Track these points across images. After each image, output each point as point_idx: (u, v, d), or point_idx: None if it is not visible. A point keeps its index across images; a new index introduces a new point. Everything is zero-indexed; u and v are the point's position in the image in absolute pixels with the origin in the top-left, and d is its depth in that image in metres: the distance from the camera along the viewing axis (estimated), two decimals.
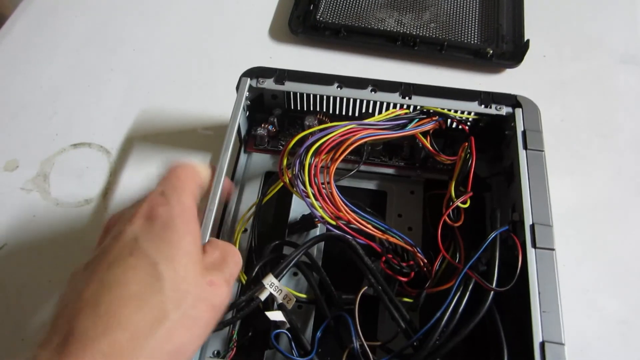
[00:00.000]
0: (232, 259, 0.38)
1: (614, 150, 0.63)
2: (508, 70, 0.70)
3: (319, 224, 0.52)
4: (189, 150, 0.61)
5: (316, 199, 0.46)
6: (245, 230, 0.53)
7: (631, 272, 0.54)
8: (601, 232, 0.57)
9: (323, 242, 0.52)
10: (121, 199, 0.58)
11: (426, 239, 0.53)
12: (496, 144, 0.54)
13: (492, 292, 0.42)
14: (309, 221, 0.52)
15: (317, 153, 0.47)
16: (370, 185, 0.57)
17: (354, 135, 0.48)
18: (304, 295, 0.48)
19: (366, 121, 0.50)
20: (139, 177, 0.59)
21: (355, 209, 0.46)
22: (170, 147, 0.61)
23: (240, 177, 0.56)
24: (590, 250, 0.55)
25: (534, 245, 0.44)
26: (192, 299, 0.32)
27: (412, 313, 0.46)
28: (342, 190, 0.47)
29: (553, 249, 0.44)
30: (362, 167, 0.56)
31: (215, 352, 0.44)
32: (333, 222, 0.46)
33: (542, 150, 0.49)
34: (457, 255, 0.47)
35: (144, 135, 0.63)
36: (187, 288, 0.32)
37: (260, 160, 0.58)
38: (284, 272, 0.46)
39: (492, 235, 0.45)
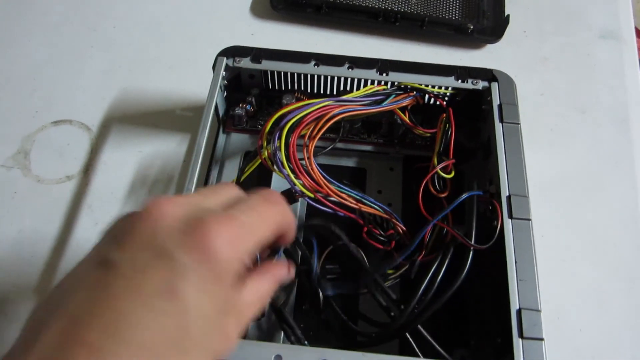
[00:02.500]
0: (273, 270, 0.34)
1: (592, 123, 0.64)
2: (489, 46, 0.70)
3: (299, 199, 0.52)
4: (168, 131, 0.60)
5: (295, 175, 0.46)
6: None
7: (607, 241, 0.55)
8: (579, 203, 0.58)
9: (304, 214, 0.52)
10: (102, 175, 0.58)
11: (407, 213, 0.53)
12: (474, 119, 0.55)
13: (471, 252, 0.43)
14: (289, 196, 0.52)
15: (294, 130, 0.47)
16: (349, 162, 0.57)
17: (330, 112, 0.48)
18: None
19: (343, 97, 0.50)
20: (119, 153, 0.59)
21: (333, 181, 0.47)
22: (150, 127, 0.61)
23: (220, 157, 0.56)
24: (568, 221, 0.56)
25: (510, 215, 0.44)
26: None
27: (392, 285, 0.46)
28: (322, 168, 0.47)
29: (529, 219, 0.44)
30: (341, 145, 0.56)
31: None
32: (312, 195, 0.46)
33: (518, 123, 0.49)
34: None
35: (124, 113, 0.62)
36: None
37: (239, 140, 0.57)
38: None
39: (465, 195, 0.46)
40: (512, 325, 0.39)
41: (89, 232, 0.54)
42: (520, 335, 0.39)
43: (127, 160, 0.59)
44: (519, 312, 0.40)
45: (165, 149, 0.59)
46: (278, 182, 0.54)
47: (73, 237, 0.54)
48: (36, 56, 0.67)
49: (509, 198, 0.45)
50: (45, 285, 0.51)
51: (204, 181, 0.53)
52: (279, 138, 0.47)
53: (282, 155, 0.47)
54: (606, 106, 0.65)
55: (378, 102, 0.51)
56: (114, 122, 0.62)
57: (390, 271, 0.47)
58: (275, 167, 0.48)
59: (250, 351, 0.38)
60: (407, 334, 0.42)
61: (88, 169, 0.58)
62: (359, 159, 0.57)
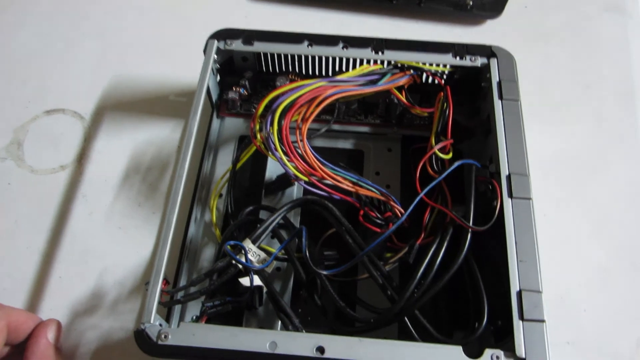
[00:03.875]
0: None
1: (596, 99, 0.62)
2: (489, 22, 0.68)
3: (295, 182, 0.51)
4: (162, 118, 0.59)
5: (288, 158, 0.45)
6: (221, 195, 0.52)
7: (611, 220, 0.54)
8: (582, 181, 0.56)
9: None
10: (96, 163, 0.57)
11: (405, 195, 0.52)
12: (473, 97, 0.53)
13: (469, 234, 0.42)
14: (285, 180, 0.51)
15: (287, 112, 0.46)
16: (346, 144, 0.56)
17: (324, 93, 0.47)
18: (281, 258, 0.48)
19: (337, 78, 0.49)
20: (112, 141, 0.59)
21: (328, 164, 0.46)
22: (143, 114, 0.60)
23: (214, 142, 0.55)
24: (571, 199, 0.55)
25: (510, 195, 0.43)
26: None
27: (392, 271, 0.45)
28: (318, 151, 0.46)
29: (530, 199, 0.43)
30: (338, 127, 0.55)
31: (194, 317, 0.44)
32: (306, 179, 0.45)
33: (518, 100, 0.48)
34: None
35: (118, 100, 0.61)
36: None
37: (234, 125, 0.56)
38: (262, 237, 0.45)
39: (458, 163, 0.45)
40: (512, 307, 0.38)
41: (84, 222, 0.53)
42: (521, 317, 0.38)
43: (120, 148, 0.58)
44: (519, 293, 0.39)
45: (159, 135, 0.58)
46: (273, 166, 0.53)
47: (68, 227, 0.53)
48: (27, 45, 0.66)
49: (508, 177, 0.44)
50: (43, 277, 0.51)
51: (198, 167, 0.52)
52: (271, 121, 0.46)
53: (275, 139, 0.46)
54: (610, 81, 0.63)
55: (373, 82, 0.50)
56: (107, 110, 0.61)
57: (388, 254, 0.46)
58: (268, 151, 0.47)
59: (245, 339, 0.38)
60: (405, 319, 0.41)
61: (82, 158, 0.58)
62: (356, 140, 0.56)
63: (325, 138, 0.55)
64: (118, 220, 0.54)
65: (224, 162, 0.54)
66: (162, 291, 0.40)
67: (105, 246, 0.52)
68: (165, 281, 0.41)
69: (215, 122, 0.56)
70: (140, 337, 0.38)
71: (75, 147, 0.58)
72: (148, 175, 0.56)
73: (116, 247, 0.52)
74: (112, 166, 0.57)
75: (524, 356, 0.37)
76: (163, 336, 0.38)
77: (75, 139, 0.59)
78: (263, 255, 0.44)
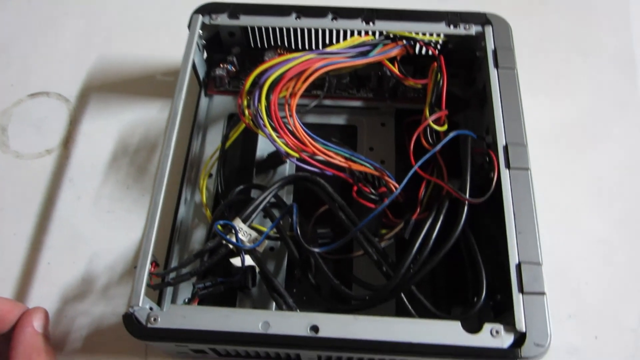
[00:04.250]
0: None
1: (595, 68, 0.60)
2: None
3: (287, 160, 0.50)
4: (149, 98, 0.58)
5: (278, 134, 0.44)
6: (211, 175, 0.51)
7: (611, 191, 0.52)
8: (581, 152, 0.55)
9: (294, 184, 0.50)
10: (82, 146, 0.55)
11: (400, 170, 0.51)
12: (468, 68, 0.52)
13: (466, 207, 0.40)
14: (276, 158, 0.50)
15: (275, 87, 0.45)
16: (339, 120, 0.54)
17: (312, 66, 0.45)
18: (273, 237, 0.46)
19: (326, 50, 0.47)
20: (99, 123, 0.57)
21: (319, 139, 0.44)
22: (130, 95, 0.58)
23: (203, 121, 0.54)
24: (570, 171, 0.53)
25: (507, 165, 0.42)
26: None
27: (387, 247, 0.44)
28: (310, 127, 0.45)
29: (528, 169, 0.42)
30: (329, 102, 0.53)
31: (186, 299, 0.43)
32: (297, 155, 0.44)
33: (514, 69, 0.46)
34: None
35: (103, 81, 0.60)
36: None
37: (222, 103, 0.55)
38: (252, 216, 0.44)
39: (453, 134, 0.44)
40: (511, 280, 0.37)
41: (71, 207, 0.52)
42: (521, 290, 0.37)
43: (107, 131, 0.56)
44: (518, 266, 0.38)
45: (146, 116, 0.57)
46: (264, 144, 0.52)
47: (56, 213, 0.52)
48: (8, 28, 0.64)
49: (505, 147, 0.42)
50: (31, 264, 0.49)
51: (187, 147, 0.51)
52: (259, 96, 0.44)
53: (264, 115, 0.44)
54: (610, 49, 0.62)
55: (364, 54, 0.48)
56: (92, 91, 0.59)
57: (383, 231, 0.45)
58: (258, 128, 0.45)
59: (237, 319, 0.36)
60: (402, 295, 0.40)
61: (68, 142, 0.56)
62: (349, 115, 0.54)
63: (316, 114, 0.54)
64: (107, 203, 0.52)
65: (213, 142, 0.53)
66: (150, 274, 0.39)
67: (95, 231, 0.51)
68: (155, 264, 0.40)
69: (204, 101, 0.54)
70: (129, 321, 0.37)
71: (60, 131, 0.57)
72: (136, 157, 0.54)
73: (105, 231, 0.51)
74: (99, 149, 0.55)
75: (524, 330, 0.36)
76: (152, 319, 0.36)
77: (61, 122, 0.57)
78: (254, 234, 0.43)
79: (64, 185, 0.53)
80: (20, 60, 0.61)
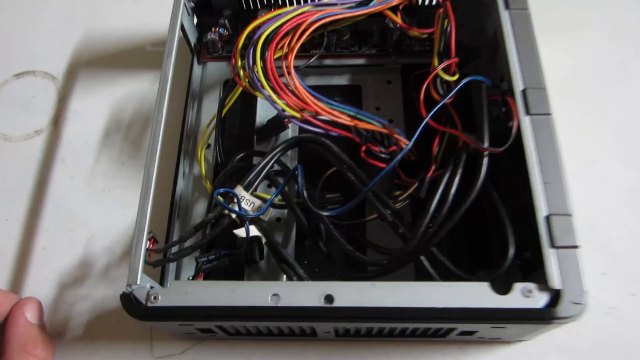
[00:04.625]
0: None
1: (611, 7, 0.56)
2: None
3: (289, 124, 0.47)
4: (140, 70, 0.55)
5: (277, 94, 0.41)
6: (209, 145, 0.48)
7: (637, 137, 0.49)
8: (603, 98, 0.51)
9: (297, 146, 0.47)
10: (73, 125, 0.53)
11: (410, 130, 0.47)
12: (476, 15, 0.48)
13: (486, 158, 0.37)
14: (277, 123, 0.46)
15: (270, 43, 0.41)
16: (342, 80, 0.51)
17: (308, 19, 0.42)
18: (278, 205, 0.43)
19: (323, 1, 0.44)
20: (89, 100, 0.54)
21: (322, 97, 0.41)
22: (120, 68, 0.55)
23: (197, 90, 0.51)
24: (593, 119, 0.50)
25: (527, 111, 0.38)
26: None
27: (402, 209, 0.41)
28: (312, 89, 0.41)
29: (549, 114, 0.38)
30: (331, 61, 0.50)
31: (190, 277, 0.40)
32: (298, 116, 0.40)
33: (527, 9, 0.42)
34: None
35: (91, 56, 0.57)
36: None
37: (217, 70, 0.52)
38: (255, 183, 0.41)
39: (467, 79, 0.40)
40: (541, 234, 0.34)
41: (65, 188, 0.49)
42: (552, 244, 0.34)
43: (98, 107, 0.53)
44: (547, 218, 0.34)
45: (138, 89, 0.54)
46: (264, 110, 0.49)
47: (49, 195, 0.49)
48: None
49: (524, 92, 0.39)
50: (26, 249, 0.47)
51: (182, 119, 0.48)
52: (254, 54, 0.41)
53: (260, 74, 0.41)
54: None
55: (364, 4, 0.45)
56: (80, 67, 0.56)
57: (397, 193, 0.42)
58: (254, 89, 0.42)
59: (244, 293, 0.33)
60: (421, 258, 0.37)
61: (57, 121, 0.53)
62: (352, 75, 0.51)
63: (317, 75, 0.51)
64: (101, 182, 0.50)
65: (209, 111, 0.50)
66: (148, 250, 0.36)
67: (90, 211, 0.48)
68: (153, 240, 0.37)
69: (197, 69, 0.51)
70: (127, 300, 0.34)
71: (49, 110, 0.54)
72: (130, 133, 0.52)
73: (102, 211, 0.48)
74: (91, 126, 0.52)
75: (558, 287, 0.32)
76: (152, 297, 0.34)
77: (49, 102, 0.55)
78: (258, 202, 0.40)
79: (56, 166, 0.51)
80: (3, 39, 0.59)
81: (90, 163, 0.50)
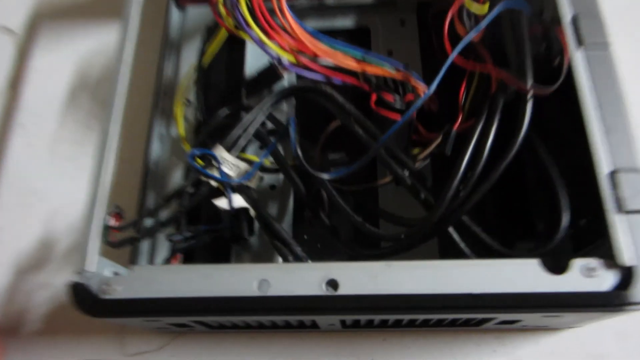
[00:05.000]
0: None
1: None
2: None
3: (285, 74, 0.39)
4: (107, 21, 0.48)
5: (267, 35, 0.33)
6: (189, 102, 0.40)
7: None
8: None
9: (294, 99, 0.39)
10: (34, 85, 0.47)
11: (429, 76, 0.39)
12: None
13: (529, 101, 0.29)
14: (269, 73, 0.38)
15: None
16: (347, 22, 0.43)
17: None
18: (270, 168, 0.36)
19: None
20: (52, 56, 0.48)
21: (322, 36, 0.33)
22: (85, 19, 0.49)
23: (176, 39, 0.43)
24: None
25: (580, 42, 0.30)
26: None
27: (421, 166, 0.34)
28: None
29: (608, 44, 0.30)
30: (333, 1, 0.42)
31: (165, 259, 0.33)
32: (294, 60, 0.33)
33: None
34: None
35: (53, 7, 0.51)
36: None
37: (198, 14, 0.44)
38: (239, 142, 0.34)
39: (499, 6, 0.32)
40: (604, 196, 0.26)
41: (23, 156, 0.44)
42: (619, 208, 0.26)
43: (62, 63, 0.47)
44: (612, 175, 0.27)
45: (106, 42, 0.47)
46: (253, 58, 0.41)
47: (5, 165, 0.44)
48: None
49: (574, 19, 0.31)
50: None
51: (157, 71, 0.40)
52: None
53: (244, 11, 0.33)
54: None
55: None
56: (42, 20, 0.50)
57: (415, 150, 0.34)
58: (240, 30, 0.34)
59: (224, 279, 0.26)
60: (449, 230, 0.29)
61: (16, 81, 0.47)
62: (358, 15, 0.43)
63: (318, 18, 0.43)
64: (66, 149, 0.43)
65: (189, 62, 0.42)
66: (109, 227, 0.29)
67: (53, 183, 0.43)
68: (119, 215, 0.30)
69: (175, 14, 0.44)
70: (76, 292, 0.27)
71: (7, 69, 0.48)
72: (98, 91, 0.45)
73: (66, 182, 0.42)
74: (54, 86, 0.46)
75: (630, 263, 0.25)
76: (107, 288, 0.26)
77: (7, 59, 0.49)
78: (244, 166, 0.33)
79: (14, 132, 0.45)
80: None
81: (53, 127, 0.44)
